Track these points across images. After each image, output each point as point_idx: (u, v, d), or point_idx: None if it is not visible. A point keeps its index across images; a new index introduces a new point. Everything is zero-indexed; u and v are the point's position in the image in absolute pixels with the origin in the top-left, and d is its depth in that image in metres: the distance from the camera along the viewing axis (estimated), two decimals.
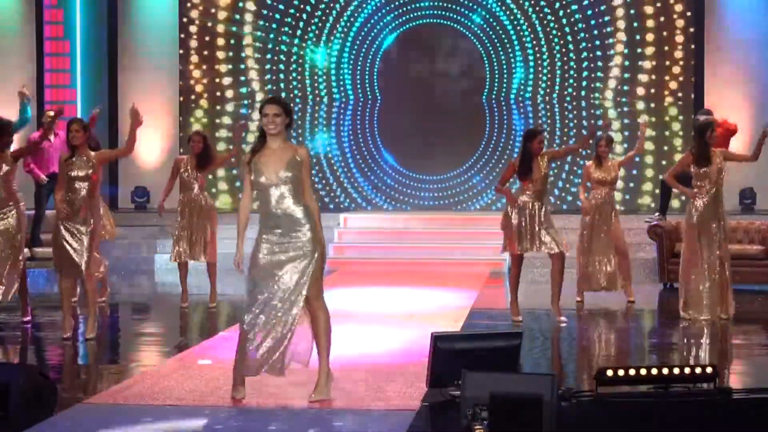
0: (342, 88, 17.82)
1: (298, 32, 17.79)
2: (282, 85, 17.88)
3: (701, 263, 9.86)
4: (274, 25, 17.78)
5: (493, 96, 17.53)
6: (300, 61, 17.83)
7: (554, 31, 17.39)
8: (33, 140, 12.43)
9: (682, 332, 9.67)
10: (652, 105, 17.27)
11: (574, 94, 17.43)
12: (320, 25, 17.75)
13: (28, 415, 6.27)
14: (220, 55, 17.94)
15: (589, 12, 17.30)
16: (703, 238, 9.89)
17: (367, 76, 17.78)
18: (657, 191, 16.03)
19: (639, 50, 17.26)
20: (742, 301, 10.62)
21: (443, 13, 17.60)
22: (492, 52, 17.50)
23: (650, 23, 17.22)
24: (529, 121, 17.25)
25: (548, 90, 17.45)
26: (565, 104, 17.42)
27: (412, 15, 17.69)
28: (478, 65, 17.57)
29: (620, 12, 17.25)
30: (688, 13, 17.15)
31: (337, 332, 9.13)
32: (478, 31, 17.49)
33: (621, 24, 17.25)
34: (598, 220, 10.81)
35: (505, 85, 17.50)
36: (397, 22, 17.72)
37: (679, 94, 17.20)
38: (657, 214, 14.34)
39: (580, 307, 10.70)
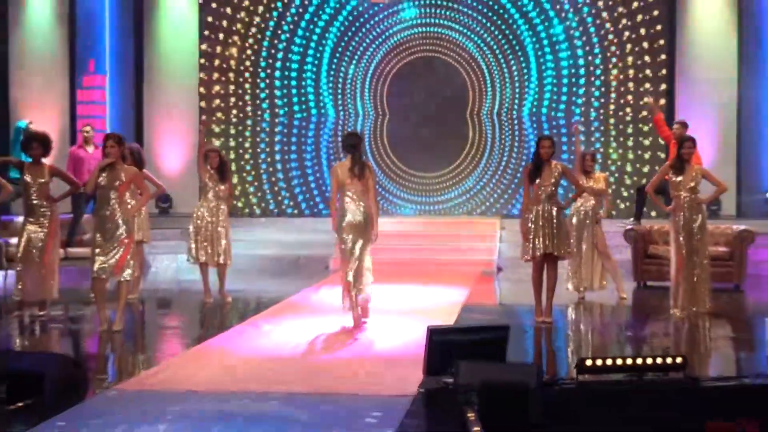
0: (352, 106, 17.90)
1: (308, 58, 17.88)
2: (280, 101, 17.95)
3: (686, 264, 9.86)
4: (279, 55, 17.86)
5: (474, 112, 17.78)
6: (310, 81, 17.92)
7: (540, 59, 17.49)
8: (72, 154, 12.51)
9: (654, 326, 9.67)
10: (629, 119, 17.34)
11: (547, 112, 17.55)
12: (331, 47, 17.85)
13: (61, 400, 6.28)
14: (233, 76, 18.00)
15: (569, 42, 17.39)
16: (687, 241, 9.90)
17: (379, 97, 17.92)
18: (628, 200, 16.17)
19: (615, 72, 17.33)
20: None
21: (438, 48, 17.80)
22: (474, 78, 17.70)
23: (628, 47, 17.29)
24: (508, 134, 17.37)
25: (518, 108, 17.65)
26: (533, 119, 17.60)
27: (414, 49, 17.84)
28: (463, 88, 17.80)
29: (602, 36, 17.33)
30: (662, 41, 17.21)
31: (337, 325, 9.25)
32: (464, 63, 17.73)
33: (592, 48, 17.34)
34: (587, 225, 10.87)
35: (488, 104, 17.69)
36: (402, 55, 17.86)
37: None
38: (632, 219, 14.37)
39: (578, 302, 10.70)
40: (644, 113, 17.15)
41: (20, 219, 10.44)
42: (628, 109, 17.33)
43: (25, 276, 9.70)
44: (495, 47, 17.62)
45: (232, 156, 17.57)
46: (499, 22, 17.55)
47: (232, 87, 18.02)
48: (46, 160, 10.04)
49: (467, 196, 17.79)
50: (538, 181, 9.38)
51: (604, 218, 11.25)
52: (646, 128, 17.12)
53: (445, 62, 17.79)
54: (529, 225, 9.35)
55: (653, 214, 15.76)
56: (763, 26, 16.93)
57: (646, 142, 17.18)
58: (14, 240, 10.51)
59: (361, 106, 17.92)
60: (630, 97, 17.29)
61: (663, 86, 17.20)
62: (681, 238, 9.86)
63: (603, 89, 17.43)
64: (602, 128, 17.44)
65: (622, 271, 11.41)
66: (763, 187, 16.82)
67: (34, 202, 9.75)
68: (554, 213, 9.35)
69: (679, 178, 9.85)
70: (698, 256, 9.86)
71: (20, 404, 6.25)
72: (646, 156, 17.17)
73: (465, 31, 17.64)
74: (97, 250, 8.86)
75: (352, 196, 9.06)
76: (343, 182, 9.03)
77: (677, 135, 11.79)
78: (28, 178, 9.73)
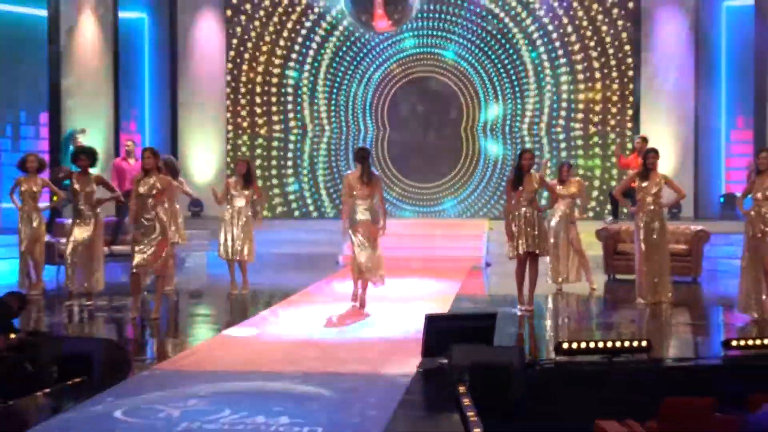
0: (360, 121, 17.93)
1: (319, 81, 17.90)
2: (294, 117, 17.97)
3: (648, 259, 9.90)
4: (293, 78, 17.88)
5: (468, 128, 17.71)
6: (323, 102, 17.95)
7: (522, 80, 17.50)
8: (116, 166, 12.56)
9: (622, 313, 9.67)
10: (599, 131, 17.35)
11: (533, 130, 17.53)
12: (341, 72, 17.86)
13: (107, 379, 6.32)
14: (258, 98, 18.01)
15: (548, 63, 17.40)
16: (649, 239, 9.92)
17: (380, 113, 17.91)
18: (600, 200, 16.17)
19: (590, 92, 17.34)
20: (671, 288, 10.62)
21: (435, 69, 17.75)
22: (467, 95, 17.64)
23: (596, 66, 17.29)
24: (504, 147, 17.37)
25: (510, 123, 17.58)
26: (516, 134, 17.56)
27: (413, 70, 17.80)
28: (457, 105, 17.76)
29: (577, 59, 17.35)
30: (629, 60, 17.22)
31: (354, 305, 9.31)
32: (458, 83, 17.66)
33: (566, 68, 17.34)
34: (564, 226, 10.90)
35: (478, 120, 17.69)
36: (403, 75, 17.83)
37: (618, 129, 17.29)
38: (611, 218, 14.48)
39: (556, 292, 10.69)
40: (613, 122, 17.20)
41: (69, 221, 10.49)
42: (599, 125, 17.31)
43: (74, 271, 9.76)
44: (487, 70, 17.59)
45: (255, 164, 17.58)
46: (491, 47, 17.54)
47: (255, 107, 18.01)
48: (93, 171, 10.07)
49: (461, 202, 17.76)
50: (520, 188, 9.40)
51: (579, 218, 11.27)
52: (609, 140, 17.15)
53: (442, 82, 17.76)
54: (513, 227, 9.37)
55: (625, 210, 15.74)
56: (716, 47, 16.93)
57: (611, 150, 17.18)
58: (64, 240, 10.54)
59: (362, 122, 17.91)
60: (602, 114, 17.28)
61: (630, 99, 17.18)
62: (642, 237, 9.90)
63: (579, 106, 17.40)
64: (580, 141, 17.41)
65: (593, 265, 11.42)
66: (718, 191, 16.81)
67: (81, 207, 9.81)
68: (535, 216, 9.38)
69: (645, 184, 9.88)
70: (658, 253, 9.87)
71: (70, 382, 6.30)
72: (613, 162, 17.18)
73: (461, 51, 17.60)
74: (137, 248, 8.91)
75: (361, 200, 9.39)
76: (354, 187, 9.37)
77: (639, 148, 11.83)
78: (76, 186, 9.78)
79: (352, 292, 9.60)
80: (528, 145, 17.16)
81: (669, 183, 10.06)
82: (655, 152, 10.09)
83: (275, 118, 18.00)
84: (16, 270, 10.82)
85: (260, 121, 18.03)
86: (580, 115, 17.36)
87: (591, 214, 15.70)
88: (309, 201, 18.08)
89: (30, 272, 10.63)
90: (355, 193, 9.38)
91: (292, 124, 17.99)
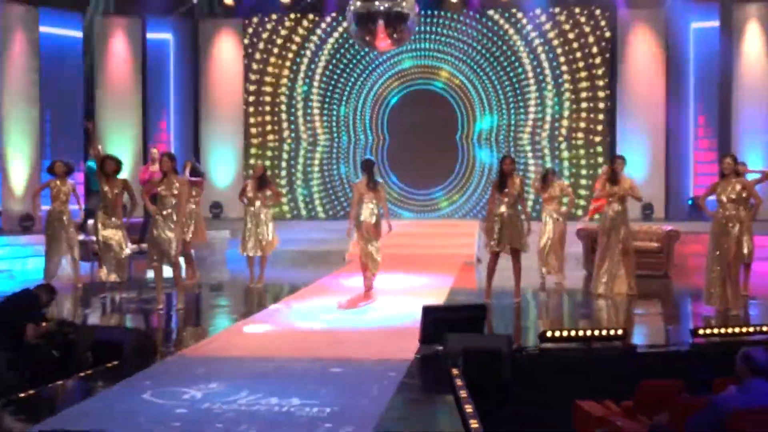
0: (362, 131, 17.92)
1: (328, 93, 17.90)
2: (306, 130, 17.98)
3: (609, 255, 9.89)
4: (303, 94, 17.88)
5: (464, 137, 17.68)
6: (333, 114, 17.94)
7: (507, 94, 17.49)
8: (144, 176, 12.56)
9: (601, 305, 9.69)
10: (575, 142, 17.34)
11: (522, 138, 17.52)
12: (345, 87, 17.87)
13: (136, 363, 6.35)
14: (270, 110, 18.02)
15: (535, 81, 17.41)
16: (612, 237, 9.90)
17: (379, 124, 17.88)
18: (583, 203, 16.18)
19: (572, 107, 17.34)
20: (644, 283, 10.59)
21: (431, 82, 17.69)
22: (462, 108, 17.63)
23: (578, 80, 17.28)
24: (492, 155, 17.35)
25: (501, 134, 17.57)
26: (509, 144, 17.53)
27: (411, 83, 17.75)
28: (452, 116, 17.68)
29: (560, 74, 17.34)
30: (606, 80, 17.21)
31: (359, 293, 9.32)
32: (453, 95, 17.61)
33: (547, 87, 17.34)
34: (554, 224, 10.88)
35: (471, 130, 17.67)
36: (400, 88, 17.78)
37: (598, 139, 17.28)
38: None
39: (541, 285, 10.66)
40: (595, 138, 17.19)
41: (97, 219, 10.42)
42: (581, 134, 17.30)
43: (105, 265, 9.75)
44: (483, 84, 17.57)
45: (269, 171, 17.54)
46: (483, 68, 17.53)
47: (268, 118, 18.02)
48: (120, 176, 10.04)
49: (457, 209, 17.74)
50: (506, 190, 9.40)
51: (566, 215, 11.20)
52: (592, 150, 17.16)
53: (439, 94, 17.71)
54: (495, 226, 9.37)
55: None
56: (685, 64, 16.90)
57: (592, 160, 17.18)
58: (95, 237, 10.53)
59: (362, 133, 17.89)
60: (583, 124, 17.27)
61: (607, 110, 17.15)
62: (603, 236, 9.89)
63: (564, 122, 17.37)
64: (564, 146, 17.37)
65: (574, 263, 11.41)
66: (687, 194, 16.80)
67: (108, 207, 9.76)
68: (514, 216, 9.38)
69: (615, 188, 9.90)
70: (611, 251, 9.82)
71: (102, 367, 6.31)
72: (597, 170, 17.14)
73: (458, 63, 17.57)
74: (155, 233, 8.98)
75: (367, 204, 9.84)
76: (363, 193, 9.83)
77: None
78: (105, 188, 9.76)
79: (363, 282, 10.03)
80: (520, 152, 17.15)
81: (632, 187, 10.03)
82: (622, 158, 10.19)
83: (286, 128, 17.98)
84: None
85: (272, 130, 18.01)
86: (563, 130, 17.29)
87: (578, 211, 15.62)
88: (317, 203, 18.06)
89: (56, 265, 10.56)
90: (364, 198, 9.81)
91: (302, 133, 17.98)
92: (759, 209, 9.58)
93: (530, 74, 17.38)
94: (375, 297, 9.77)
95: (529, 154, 17.37)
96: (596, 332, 6.83)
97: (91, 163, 11.98)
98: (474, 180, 17.66)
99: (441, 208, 17.70)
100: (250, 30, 17.87)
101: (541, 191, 11.01)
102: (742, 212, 8.71)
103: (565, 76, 17.28)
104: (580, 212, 15.66)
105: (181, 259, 9.81)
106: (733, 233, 8.66)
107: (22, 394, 5.44)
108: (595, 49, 17.20)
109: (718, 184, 8.81)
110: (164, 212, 8.94)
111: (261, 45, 17.86)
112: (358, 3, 11.99)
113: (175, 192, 8.95)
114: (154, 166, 13.71)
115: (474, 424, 4.73)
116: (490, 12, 17.34)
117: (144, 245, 13.10)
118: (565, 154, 17.34)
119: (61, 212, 10.59)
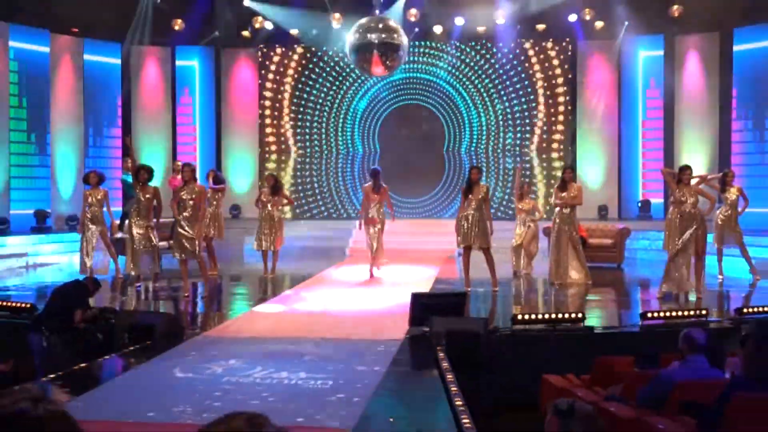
0: (352, 143, 17.89)
1: (332, 112, 17.87)
2: (315, 141, 17.93)
3: (560, 249, 9.88)
4: (310, 107, 17.84)
5: (451, 149, 17.62)
6: (339, 128, 17.90)
7: (489, 112, 17.48)
8: (172, 184, 12.51)
9: (563, 293, 9.68)
10: (544, 156, 17.35)
11: (500, 150, 17.51)
12: (343, 103, 17.83)
13: (165, 343, 6.33)
14: (284, 122, 17.98)
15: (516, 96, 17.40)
16: (562, 234, 9.89)
17: (370, 137, 17.82)
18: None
19: (543, 121, 17.34)
20: (600, 273, 10.61)
21: (420, 97, 17.60)
22: (449, 122, 17.57)
23: (543, 100, 17.29)
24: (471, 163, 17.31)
25: (482, 146, 17.54)
26: (490, 155, 17.51)
27: (401, 98, 17.67)
28: (439, 130, 17.59)
29: (531, 98, 17.34)
30: (568, 97, 17.22)
31: (351, 292, 9.27)
32: (441, 110, 17.55)
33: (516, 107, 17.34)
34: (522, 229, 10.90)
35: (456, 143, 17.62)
36: (391, 102, 17.70)
37: (561, 151, 17.28)
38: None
39: (514, 273, 10.65)
40: (554, 154, 17.17)
41: (131, 220, 10.35)
42: (555, 145, 17.30)
43: (137, 260, 9.70)
44: (465, 100, 17.59)
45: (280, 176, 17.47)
46: (470, 82, 17.53)
47: (282, 130, 17.98)
48: (152, 184, 9.99)
49: (439, 206, 17.75)
50: (470, 196, 9.38)
51: (539, 220, 11.21)
52: (557, 164, 17.15)
53: (427, 109, 17.67)
54: (464, 225, 9.35)
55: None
56: (634, 85, 16.92)
57: (557, 173, 17.19)
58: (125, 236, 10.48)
59: (360, 144, 17.85)
60: (556, 136, 17.28)
61: (568, 122, 17.19)
62: (555, 235, 9.90)
63: (533, 134, 17.40)
64: (534, 155, 17.39)
65: (540, 257, 11.39)
66: (636, 196, 16.82)
67: (142, 211, 9.73)
68: (479, 218, 9.32)
69: (563, 194, 9.89)
70: (561, 246, 9.81)
71: (138, 346, 6.29)
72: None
73: (443, 84, 17.54)
74: (179, 234, 8.99)
75: (374, 205, 10.36)
76: (370, 194, 10.34)
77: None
78: (140, 194, 9.72)
79: (370, 262, 10.56)
80: (498, 161, 17.16)
81: (578, 191, 10.01)
82: (571, 169, 10.31)
83: (297, 140, 17.94)
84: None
85: (284, 141, 17.96)
86: (533, 144, 17.30)
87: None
88: (321, 205, 18.04)
89: (90, 259, 10.47)
90: (371, 200, 10.30)
91: (307, 144, 17.93)
92: (713, 206, 9.58)
93: (502, 93, 17.36)
94: (379, 278, 10.37)
95: (509, 162, 17.33)
96: (560, 315, 6.83)
97: (126, 177, 11.93)
98: (459, 185, 17.61)
99: (428, 209, 17.66)
100: (265, 58, 17.82)
101: (518, 201, 11.02)
102: (698, 211, 8.70)
103: (532, 97, 17.29)
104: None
105: (204, 254, 9.77)
106: (693, 229, 8.62)
107: (75, 367, 5.45)
108: (559, 73, 17.23)
109: (678, 189, 8.73)
110: (185, 213, 8.93)
111: (273, 68, 17.83)
112: (357, 35, 12.00)
113: (194, 196, 8.96)
114: (178, 175, 13.70)
115: (455, 391, 4.74)
116: (472, 43, 17.30)
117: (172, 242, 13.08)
118: (536, 161, 17.35)
119: (94, 215, 10.51)
